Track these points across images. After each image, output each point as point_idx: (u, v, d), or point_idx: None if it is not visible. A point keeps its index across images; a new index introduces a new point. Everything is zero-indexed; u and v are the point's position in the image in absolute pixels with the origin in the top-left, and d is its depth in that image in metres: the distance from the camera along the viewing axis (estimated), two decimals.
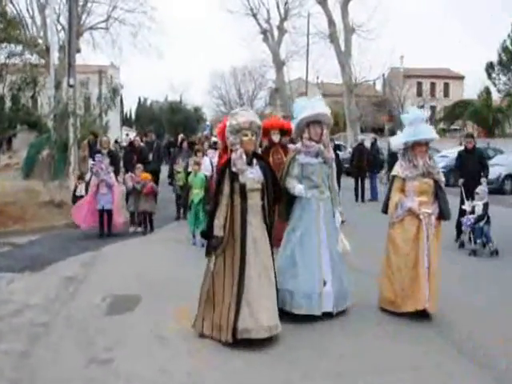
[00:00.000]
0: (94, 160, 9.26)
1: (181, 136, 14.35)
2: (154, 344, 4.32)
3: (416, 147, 5.12)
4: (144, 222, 9.34)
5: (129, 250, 8.23)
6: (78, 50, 23.30)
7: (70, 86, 11.60)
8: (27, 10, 24.03)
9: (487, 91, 33.26)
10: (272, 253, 4.49)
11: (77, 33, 23.50)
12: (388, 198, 5.25)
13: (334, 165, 5.21)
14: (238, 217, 4.32)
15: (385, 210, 5.28)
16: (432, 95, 49.17)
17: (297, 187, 4.91)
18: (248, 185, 4.33)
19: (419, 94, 47.48)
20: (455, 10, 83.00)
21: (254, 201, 4.38)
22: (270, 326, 4.17)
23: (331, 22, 26.19)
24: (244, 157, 4.36)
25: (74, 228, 9.19)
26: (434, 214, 5.01)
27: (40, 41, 23.41)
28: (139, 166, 9.56)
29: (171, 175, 11.26)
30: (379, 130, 39.39)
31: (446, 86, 51.91)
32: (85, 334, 4.51)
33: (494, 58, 34.57)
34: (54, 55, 19.72)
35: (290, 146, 12.97)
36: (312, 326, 4.68)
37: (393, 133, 33.39)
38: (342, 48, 26.37)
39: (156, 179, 10.30)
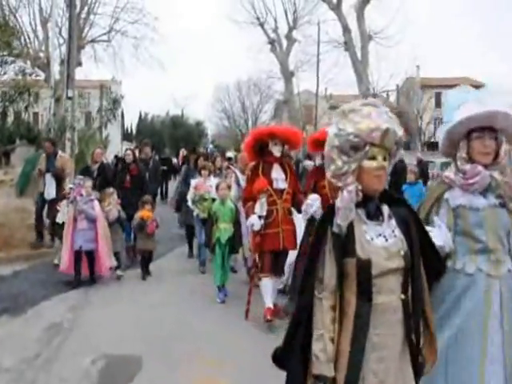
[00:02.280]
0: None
1: (183, 151, 14.10)
2: None
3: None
4: (143, 263, 7.92)
5: (125, 291, 7.22)
6: (80, 64, 23.79)
7: (69, 98, 11.87)
8: (30, 23, 24.61)
9: None
10: None
11: (78, 46, 24.08)
12: None
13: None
14: (348, 334, 2.22)
15: None
16: None
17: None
18: (376, 262, 2.20)
19: (438, 104, 47.30)
20: (470, 19, 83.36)
21: (389, 297, 2.22)
22: None
23: (346, 29, 26.15)
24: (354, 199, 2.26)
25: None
26: None
27: (42, 54, 23.91)
28: (111, 190, 7.98)
29: (179, 206, 9.25)
30: None
31: None
32: None
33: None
34: (55, 69, 20.17)
35: (307, 163, 12.52)
36: None
37: (408, 147, 33.47)
38: (359, 56, 26.29)
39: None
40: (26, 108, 11.90)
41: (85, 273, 7.41)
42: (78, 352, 4.90)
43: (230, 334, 5.51)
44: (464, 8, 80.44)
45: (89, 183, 7.52)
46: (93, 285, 7.34)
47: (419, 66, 42.68)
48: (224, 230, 6.52)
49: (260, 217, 5.56)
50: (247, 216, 5.71)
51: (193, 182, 8.21)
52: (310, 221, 5.42)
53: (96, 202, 7.46)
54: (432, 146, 45.00)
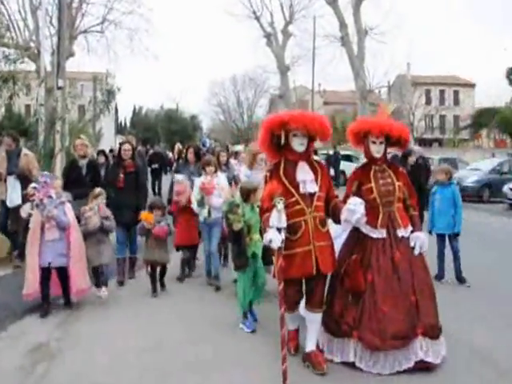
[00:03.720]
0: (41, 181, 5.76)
1: (178, 145, 12.93)
2: None
3: None
4: (152, 277, 6.41)
5: (124, 306, 5.96)
6: (72, 54, 22.75)
7: (59, 87, 10.89)
8: (19, 11, 23.46)
9: None
10: None
11: (70, 36, 23.01)
12: None
13: None
14: None
15: None
16: (441, 103, 48.76)
17: None
18: None
19: (428, 102, 47.10)
20: (458, 19, 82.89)
21: None
22: None
23: (343, 24, 25.48)
24: None
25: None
26: None
27: (32, 44, 22.86)
28: (98, 191, 6.29)
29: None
30: None
31: (456, 93, 51.46)
32: None
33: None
34: (46, 59, 19.18)
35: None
36: None
37: None
38: (355, 51, 25.64)
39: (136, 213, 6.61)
40: (11, 97, 10.92)
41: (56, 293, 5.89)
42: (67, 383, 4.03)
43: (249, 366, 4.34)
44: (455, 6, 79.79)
45: (58, 181, 6.04)
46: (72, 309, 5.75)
47: (410, 64, 42.44)
48: (259, 241, 5.11)
49: (279, 229, 3.89)
50: (264, 231, 4.08)
51: (197, 181, 6.77)
52: (353, 232, 4.39)
53: (68, 206, 5.85)
54: (424, 142, 44.84)
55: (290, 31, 30.31)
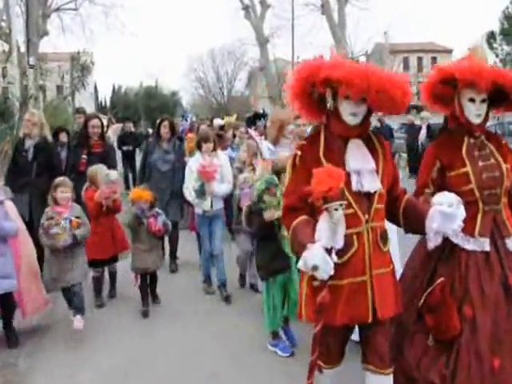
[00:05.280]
0: None
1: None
2: None
3: None
4: (143, 289, 5.11)
5: (109, 327, 4.72)
6: (46, 33, 21.64)
7: (31, 66, 10.09)
8: None
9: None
10: None
11: (43, 14, 21.84)
12: None
13: None
14: None
15: None
16: (419, 70, 48.43)
17: None
18: None
19: (405, 68, 46.86)
20: None
21: None
22: None
23: None
24: None
25: None
26: None
27: (3, 24, 21.70)
28: (59, 182, 4.57)
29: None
30: None
31: (434, 60, 51.03)
32: None
33: (479, 31, 33.61)
34: (19, 39, 18.17)
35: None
36: None
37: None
38: (336, 20, 24.83)
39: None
40: None
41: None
42: None
43: None
44: None
45: None
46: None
47: (387, 32, 41.85)
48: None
49: (328, 250, 2.42)
50: (296, 246, 2.56)
51: (192, 162, 5.30)
52: (443, 249, 2.88)
53: (10, 205, 4.39)
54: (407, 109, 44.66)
55: (267, 2, 29.29)
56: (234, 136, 8.34)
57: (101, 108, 54.07)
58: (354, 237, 2.54)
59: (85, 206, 5.00)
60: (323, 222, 2.40)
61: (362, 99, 2.53)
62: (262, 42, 29.42)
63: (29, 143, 5.62)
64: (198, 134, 7.25)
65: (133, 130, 14.28)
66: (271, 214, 3.83)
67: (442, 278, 2.84)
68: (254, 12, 29.28)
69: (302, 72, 2.59)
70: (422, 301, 2.85)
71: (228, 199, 5.75)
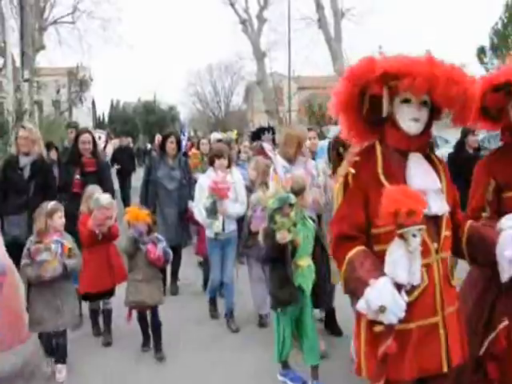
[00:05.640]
0: None
1: (158, 136, 11.03)
2: None
3: None
4: (144, 328, 4.44)
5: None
6: (43, 47, 21.39)
7: (25, 80, 9.73)
8: None
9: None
10: None
11: (39, 27, 21.60)
12: None
13: None
14: None
15: None
16: None
17: None
18: None
19: None
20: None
21: None
22: None
23: (319, 6, 24.46)
24: None
25: None
26: None
27: None
28: (50, 208, 3.93)
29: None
30: None
31: None
32: None
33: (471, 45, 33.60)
34: (15, 53, 17.88)
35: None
36: None
37: None
38: (332, 34, 24.71)
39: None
40: None
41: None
42: None
43: None
44: None
45: None
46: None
47: (381, 47, 42.03)
48: (308, 269, 3.61)
49: (397, 287, 1.98)
50: (353, 283, 2.13)
51: (203, 179, 4.84)
52: (479, 271, 2.60)
53: None
54: None
55: (264, 16, 29.28)
56: (239, 152, 7.85)
57: (99, 123, 53.90)
58: (423, 270, 2.09)
59: (77, 233, 4.45)
60: (397, 252, 1.97)
61: (423, 102, 2.17)
62: (259, 56, 29.37)
63: (25, 161, 5.12)
64: (200, 150, 7.01)
65: (129, 145, 13.22)
66: (283, 236, 3.43)
67: (505, 322, 2.37)
68: (251, 26, 29.28)
69: (354, 71, 2.18)
70: (483, 349, 2.41)
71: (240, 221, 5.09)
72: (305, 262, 3.60)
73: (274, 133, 7.55)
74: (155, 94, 52.62)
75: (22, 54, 10.01)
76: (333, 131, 7.37)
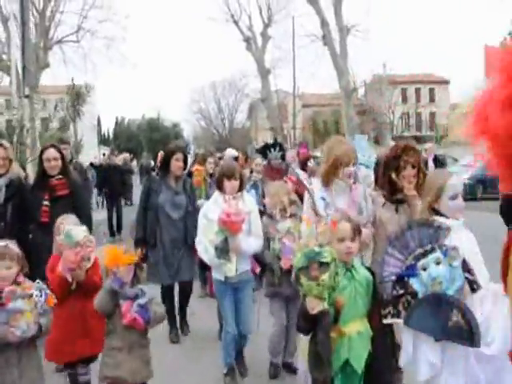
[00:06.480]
0: None
1: (161, 153, 10.62)
2: None
3: None
4: None
5: None
6: (47, 65, 21.27)
7: (26, 96, 9.42)
8: None
9: None
10: None
11: (44, 47, 21.51)
12: None
13: None
14: None
15: None
16: (418, 101, 48.29)
17: None
18: None
19: (404, 100, 46.71)
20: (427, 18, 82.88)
21: None
22: None
23: (324, 22, 24.25)
24: None
25: None
26: None
27: (4, 56, 21.35)
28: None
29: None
30: None
31: (431, 91, 50.94)
32: None
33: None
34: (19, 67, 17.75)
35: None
36: None
37: (377, 141, 32.32)
38: (337, 50, 24.46)
39: None
40: None
41: None
42: None
43: None
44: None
45: None
46: None
47: (385, 64, 41.88)
48: (359, 338, 2.67)
49: None
50: None
51: (208, 208, 3.81)
52: None
53: None
54: (402, 140, 44.17)
55: (268, 34, 29.18)
56: (251, 172, 6.87)
57: (104, 140, 53.99)
58: None
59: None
60: None
61: None
62: (264, 73, 29.18)
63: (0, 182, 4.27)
64: (205, 168, 6.35)
65: (114, 163, 11.28)
66: (312, 305, 2.53)
67: None
68: (255, 44, 29.15)
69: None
70: None
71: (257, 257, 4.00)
72: (353, 328, 2.65)
73: (282, 149, 7.02)
74: (159, 111, 52.74)
75: (23, 69, 9.72)
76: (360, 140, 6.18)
